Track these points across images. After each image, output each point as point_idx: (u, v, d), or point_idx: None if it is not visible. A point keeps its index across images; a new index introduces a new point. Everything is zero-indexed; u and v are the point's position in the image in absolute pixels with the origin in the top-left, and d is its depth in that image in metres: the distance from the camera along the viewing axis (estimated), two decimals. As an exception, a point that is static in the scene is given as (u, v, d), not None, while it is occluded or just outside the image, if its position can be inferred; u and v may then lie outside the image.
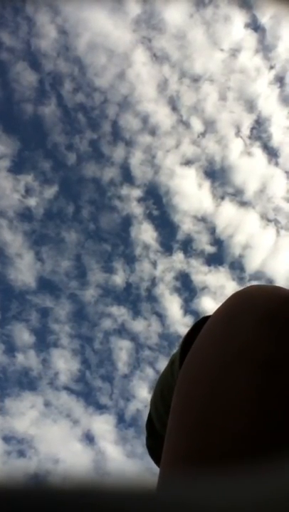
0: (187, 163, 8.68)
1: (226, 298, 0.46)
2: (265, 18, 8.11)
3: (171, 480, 0.33)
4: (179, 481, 0.19)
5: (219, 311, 0.46)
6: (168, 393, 0.57)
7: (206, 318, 0.52)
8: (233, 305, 0.44)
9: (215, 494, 0.17)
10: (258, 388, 0.36)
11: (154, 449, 0.60)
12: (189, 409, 0.39)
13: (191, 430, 0.38)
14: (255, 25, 8.26)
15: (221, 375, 0.38)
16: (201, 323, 0.52)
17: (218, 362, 0.40)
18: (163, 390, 0.59)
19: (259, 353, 0.38)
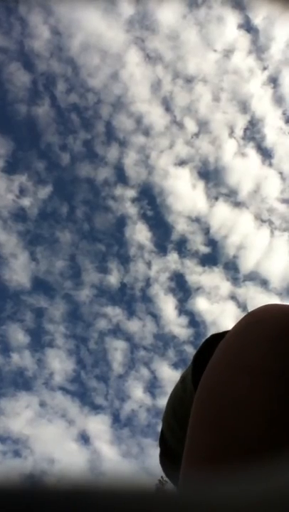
0: (181, 163, 8.70)
1: (241, 317, 0.49)
2: (258, 19, 8.15)
3: (190, 480, 0.34)
4: (195, 481, 0.19)
5: (235, 329, 0.48)
6: (180, 408, 0.59)
7: (215, 335, 0.55)
8: (247, 324, 0.47)
9: (214, 494, 0.17)
10: (274, 398, 0.39)
11: (168, 466, 0.62)
12: (209, 417, 0.42)
13: (211, 435, 0.40)
14: (248, 26, 8.30)
15: (239, 387, 0.41)
16: (211, 340, 0.55)
17: (235, 375, 0.42)
18: (175, 406, 0.61)
19: (274, 367, 0.40)
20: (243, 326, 0.47)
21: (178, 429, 0.59)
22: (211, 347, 0.53)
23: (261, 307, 0.48)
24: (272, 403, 0.38)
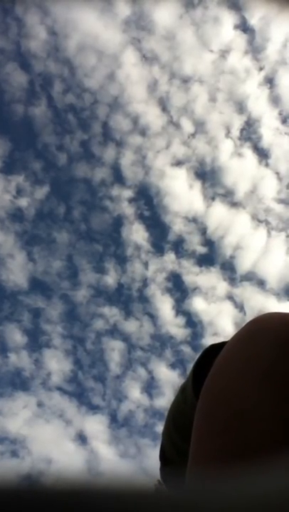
0: (178, 163, 8.71)
1: (244, 324, 0.49)
2: (254, 19, 8.16)
3: (192, 483, 0.34)
4: (196, 483, 0.19)
5: (238, 337, 0.49)
6: (182, 420, 0.59)
7: (214, 346, 0.55)
8: (249, 332, 0.47)
9: (213, 495, 0.17)
10: (281, 404, 0.39)
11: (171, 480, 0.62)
12: (216, 423, 0.42)
13: (218, 440, 0.40)
14: (244, 27, 8.30)
15: (245, 392, 0.41)
16: (209, 350, 0.56)
17: (242, 381, 0.42)
18: (175, 418, 0.61)
19: (276, 375, 0.41)
20: (246, 333, 0.47)
21: (181, 441, 0.59)
22: (210, 357, 0.54)
23: (262, 315, 0.48)
24: (280, 408, 0.39)
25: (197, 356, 0.58)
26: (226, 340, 0.54)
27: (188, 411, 0.56)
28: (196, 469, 0.41)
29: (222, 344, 0.54)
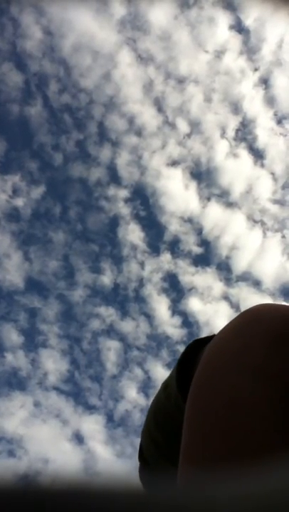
0: (173, 164, 8.71)
1: (235, 316, 0.48)
2: (249, 19, 8.17)
3: (188, 480, 0.34)
4: (190, 483, 0.19)
5: (228, 329, 0.47)
6: (163, 418, 0.57)
7: (198, 340, 0.54)
8: (242, 323, 0.46)
9: (208, 494, 0.17)
10: (275, 399, 0.38)
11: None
12: (208, 417, 0.41)
13: (210, 436, 0.39)
14: (239, 27, 8.31)
15: (239, 387, 0.40)
16: (194, 345, 0.54)
17: (236, 375, 0.41)
18: (157, 416, 0.59)
19: (270, 368, 0.40)
20: (239, 324, 0.46)
21: (162, 440, 0.57)
22: (195, 352, 0.53)
23: (256, 306, 0.47)
24: (274, 404, 0.38)
25: (182, 352, 0.56)
26: (211, 334, 0.53)
27: (171, 408, 0.55)
28: (189, 468, 0.40)
29: (207, 338, 0.53)
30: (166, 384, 0.58)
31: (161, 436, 0.58)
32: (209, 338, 0.52)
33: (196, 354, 0.53)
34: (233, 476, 0.17)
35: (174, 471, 0.42)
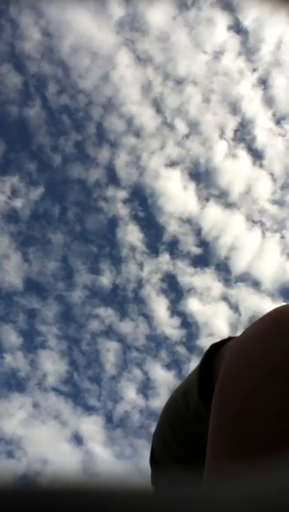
0: (172, 164, 8.71)
1: (258, 318, 0.48)
2: (247, 20, 8.18)
3: (214, 477, 0.34)
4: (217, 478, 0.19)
5: (250, 332, 0.47)
6: (180, 426, 0.56)
7: (215, 345, 0.54)
8: (264, 326, 0.46)
9: (209, 494, 0.17)
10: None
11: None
12: (233, 422, 0.41)
13: (235, 437, 0.40)
14: (237, 28, 8.32)
15: (258, 390, 0.41)
16: (212, 350, 0.53)
17: (254, 380, 0.42)
18: (173, 423, 0.58)
19: None
20: (260, 327, 0.46)
21: (177, 446, 0.56)
22: (213, 357, 0.52)
23: (277, 308, 0.47)
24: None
25: (201, 358, 0.55)
26: (227, 337, 0.53)
27: (190, 417, 0.54)
28: (214, 468, 0.40)
29: (223, 341, 0.52)
30: (185, 391, 0.57)
31: (177, 445, 0.57)
32: (225, 341, 0.52)
33: (213, 359, 0.52)
34: (251, 475, 0.17)
35: (186, 473, 0.42)
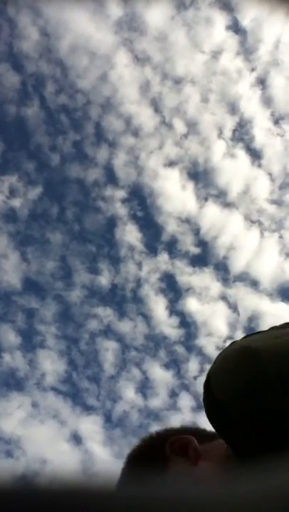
0: (170, 164, 8.71)
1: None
2: (246, 20, 8.18)
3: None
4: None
5: None
6: (263, 399, 0.46)
7: None
8: None
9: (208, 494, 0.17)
10: None
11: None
12: None
13: None
14: (236, 28, 8.32)
15: None
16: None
17: None
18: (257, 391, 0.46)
19: None
20: None
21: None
22: None
23: None
24: None
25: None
26: None
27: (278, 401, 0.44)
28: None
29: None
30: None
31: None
32: None
33: None
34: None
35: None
